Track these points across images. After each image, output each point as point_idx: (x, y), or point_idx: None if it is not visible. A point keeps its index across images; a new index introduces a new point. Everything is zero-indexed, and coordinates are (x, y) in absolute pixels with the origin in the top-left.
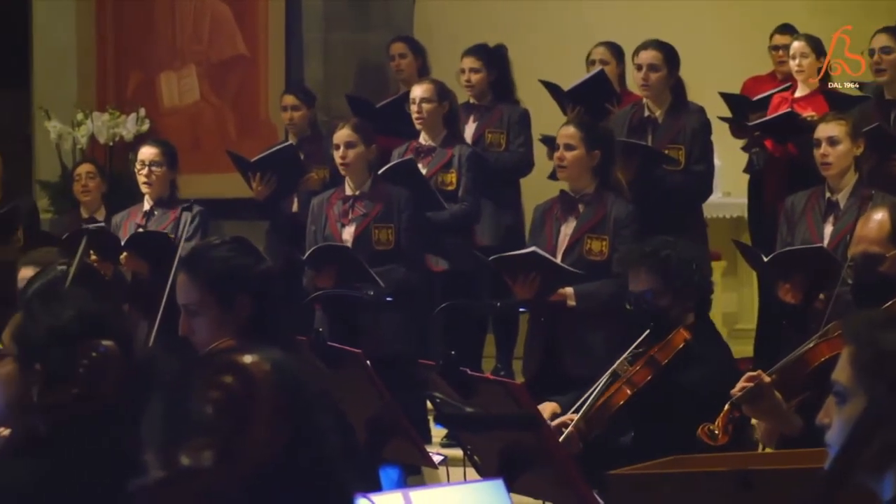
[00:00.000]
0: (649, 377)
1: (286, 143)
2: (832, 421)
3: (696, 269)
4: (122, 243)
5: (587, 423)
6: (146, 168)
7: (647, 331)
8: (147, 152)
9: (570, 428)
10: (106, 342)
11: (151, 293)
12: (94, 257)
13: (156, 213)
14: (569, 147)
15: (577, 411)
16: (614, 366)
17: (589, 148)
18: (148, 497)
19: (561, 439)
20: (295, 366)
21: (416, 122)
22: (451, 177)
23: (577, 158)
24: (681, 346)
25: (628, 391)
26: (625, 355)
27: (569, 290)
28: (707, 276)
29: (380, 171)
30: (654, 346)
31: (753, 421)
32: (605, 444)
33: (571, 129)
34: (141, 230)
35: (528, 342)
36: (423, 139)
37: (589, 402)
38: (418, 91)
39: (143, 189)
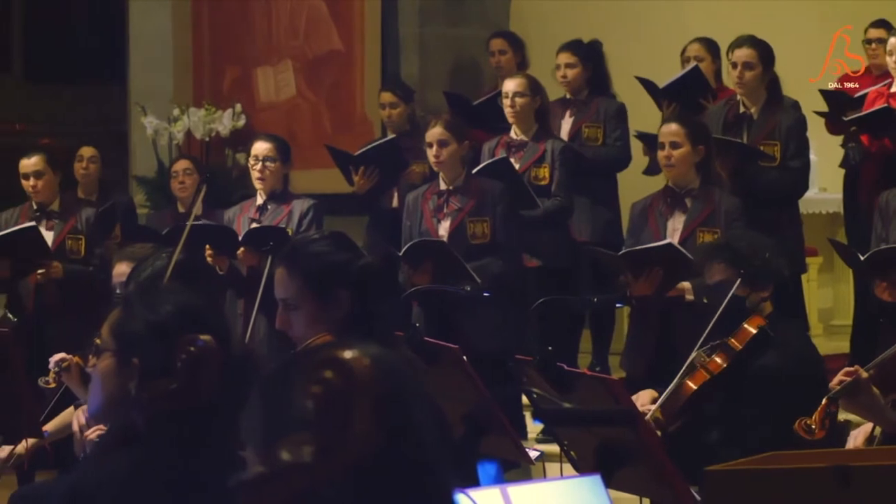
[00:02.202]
0: (725, 364)
1: (390, 137)
2: None
3: (768, 258)
4: (239, 238)
5: (664, 412)
6: (259, 163)
7: (714, 320)
8: (260, 147)
9: (646, 418)
10: (204, 336)
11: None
12: (209, 252)
13: (269, 207)
14: (675, 145)
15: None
16: (691, 357)
17: (694, 144)
18: (248, 492)
19: None
20: (394, 361)
21: (508, 116)
22: (544, 171)
23: (685, 155)
24: (755, 332)
25: (703, 377)
26: (698, 345)
27: (686, 284)
28: (781, 266)
29: (474, 171)
30: (729, 336)
31: (843, 415)
32: (695, 440)
33: (675, 127)
34: (255, 225)
35: (636, 338)
36: (515, 133)
37: (666, 392)
38: (511, 85)
39: (257, 185)
